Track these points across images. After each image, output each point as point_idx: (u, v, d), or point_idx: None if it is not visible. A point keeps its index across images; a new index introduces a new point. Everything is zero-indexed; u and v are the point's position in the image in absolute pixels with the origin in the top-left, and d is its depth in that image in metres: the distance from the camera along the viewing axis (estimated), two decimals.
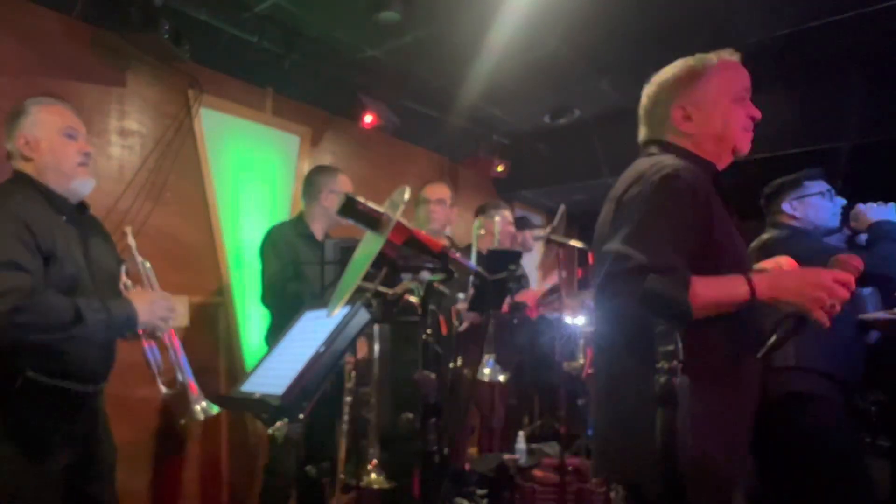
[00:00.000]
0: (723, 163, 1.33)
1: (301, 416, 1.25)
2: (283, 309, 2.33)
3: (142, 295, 1.66)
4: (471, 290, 2.41)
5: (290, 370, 1.21)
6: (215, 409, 1.78)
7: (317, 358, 1.20)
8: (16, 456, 1.45)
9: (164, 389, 1.76)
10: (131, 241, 1.85)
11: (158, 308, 1.64)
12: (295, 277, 2.41)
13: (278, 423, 1.26)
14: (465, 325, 2.65)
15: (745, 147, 1.32)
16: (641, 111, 1.39)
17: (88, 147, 1.65)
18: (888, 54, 2.86)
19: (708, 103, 1.30)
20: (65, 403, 1.54)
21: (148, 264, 1.85)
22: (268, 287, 2.44)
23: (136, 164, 2.56)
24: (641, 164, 1.26)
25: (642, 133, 1.39)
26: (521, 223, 3.73)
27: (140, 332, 1.67)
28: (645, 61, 3.25)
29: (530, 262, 5.22)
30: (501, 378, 2.25)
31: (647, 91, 1.39)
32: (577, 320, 3.53)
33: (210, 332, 2.81)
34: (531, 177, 4.82)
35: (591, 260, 2.97)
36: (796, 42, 2.88)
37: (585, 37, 2.90)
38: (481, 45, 2.92)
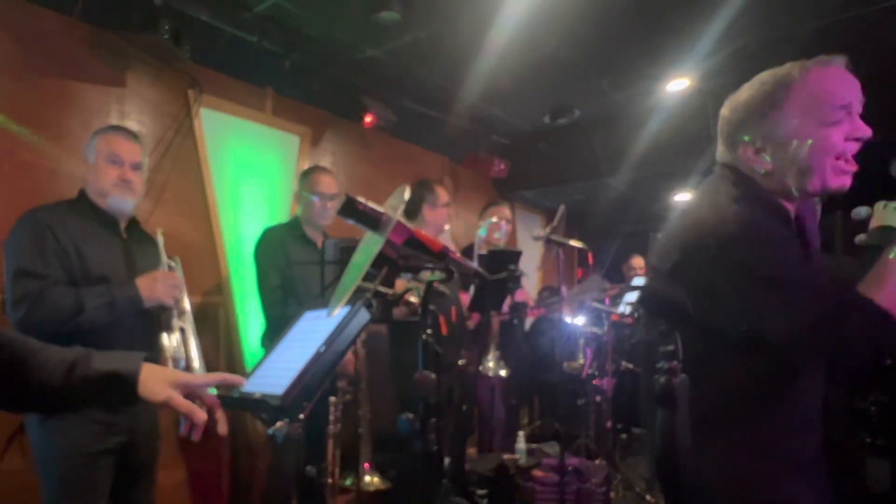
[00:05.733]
0: (808, 198, 1.12)
1: (301, 416, 1.25)
2: (279, 323, 2.32)
3: (146, 276, 1.78)
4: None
5: (290, 370, 1.21)
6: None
7: (317, 358, 1.20)
8: (58, 434, 1.61)
9: None
10: (160, 239, 1.95)
11: (161, 285, 1.77)
12: (290, 293, 2.41)
13: (278, 423, 1.26)
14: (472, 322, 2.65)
15: (833, 183, 1.06)
16: (718, 130, 1.20)
17: (128, 174, 1.82)
18: (888, 54, 2.86)
19: (782, 135, 1.07)
20: None
21: (175, 262, 1.97)
22: (265, 303, 2.47)
23: None
24: (707, 204, 1.13)
25: (718, 151, 1.21)
26: None
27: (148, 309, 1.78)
28: (644, 61, 3.28)
29: (531, 262, 5.23)
30: (503, 373, 2.26)
31: (723, 112, 1.19)
32: (576, 320, 3.54)
33: (210, 332, 2.81)
34: (531, 177, 4.83)
35: (590, 260, 2.99)
36: (796, 42, 2.88)
37: (585, 37, 2.90)
38: (481, 45, 2.92)
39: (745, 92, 1.14)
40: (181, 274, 1.94)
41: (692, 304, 1.08)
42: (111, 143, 1.82)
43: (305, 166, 3.35)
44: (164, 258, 1.93)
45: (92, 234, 1.76)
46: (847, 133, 1.06)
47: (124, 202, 1.82)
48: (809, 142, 1.05)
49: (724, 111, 1.18)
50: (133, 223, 1.93)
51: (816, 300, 0.96)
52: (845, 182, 1.08)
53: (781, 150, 1.08)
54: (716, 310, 1.05)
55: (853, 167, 1.08)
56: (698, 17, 2.71)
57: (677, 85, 3.49)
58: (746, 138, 1.12)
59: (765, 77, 1.12)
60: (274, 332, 2.34)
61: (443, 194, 2.75)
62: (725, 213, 1.06)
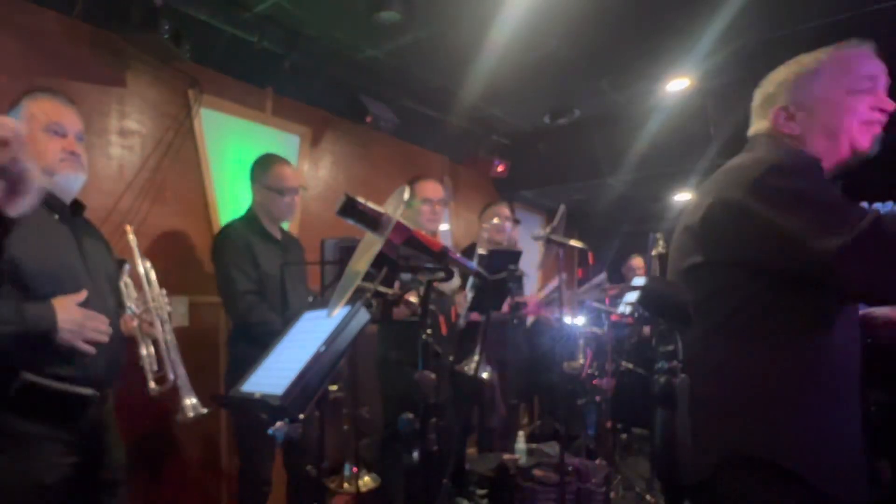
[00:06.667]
0: (837, 162, 1.19)
1: (301, 416, 1.25)
2: (246, 329, 2.26)
3: (72, 309, 1.45)
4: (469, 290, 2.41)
5: (290, 370, 1.21)
6: (204, 410, 1.67)
7: (317, 358, 1.20)
8: (9, 465, 1.40)
9: (153, 386, 1.66)
10: (132, 238, 1.79)
11: (88, 329, 1.45)
12: (258, 294, 2.29)
13: (278, 423, 1.26)
14: (463, 322, 2.64)
15: (863, 143, 1.16)
16: (753, 107, 1.31)
17: (74, 146, 1.57)
18: (889, 54, 2.87)
19: (813, 100, 1.17)
20: (64, 409, 1.48)
21: (148, 263, 1.79)
22: (237, 308, 2.29)
23: (136, 164, 2.56)
24: (739, 160, 1.20)
25: (752, 129, 1.30)
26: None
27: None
28: (644, 61, 3.27)
29: (531, 262, 5.23)
30: (485, 375, 2.24)
31: (759, 90, 1.29)
32: (576, 320, 3.54)
33: (210, 332, 2.81)
34: (531, 177, 4.83)
35: (591, 260, 2.99)
36: (796, 43, 2.88)
37: (585, 37, 2.90)
38: (481, 46, 2.92)
39: (782, 69, 1.24)
40: (153, 276, 1.74)
41: (746, 241, 1.10)
42: (49, 111, 1.55)
43: (305, 166, 3.35)
44: (138, 257, 1.72)
45: (39, 220, 1.49)
46: (872, 103, 1.15)
47: (76, 179, 1.58)
48: (837, 105, 1.15)
49: (760, 91, 1.28)
50: (77, 208, 1.65)
51: (867, 219, 0.99)
52: (869, 142, 1.17)
53: (810, 114, 1.17)
54: (769, 243, 1.07)
55: (876, 128, 1.17)
56: (698, 17, 2.71)
57: (677, 85, 3.49)
58: (779, 104, 1.21)
59: (800, 57, 1.23)
60: (249, 339, 2.20)
61: (416, 189, 2.66)
62: (765, 161, 1.12)
